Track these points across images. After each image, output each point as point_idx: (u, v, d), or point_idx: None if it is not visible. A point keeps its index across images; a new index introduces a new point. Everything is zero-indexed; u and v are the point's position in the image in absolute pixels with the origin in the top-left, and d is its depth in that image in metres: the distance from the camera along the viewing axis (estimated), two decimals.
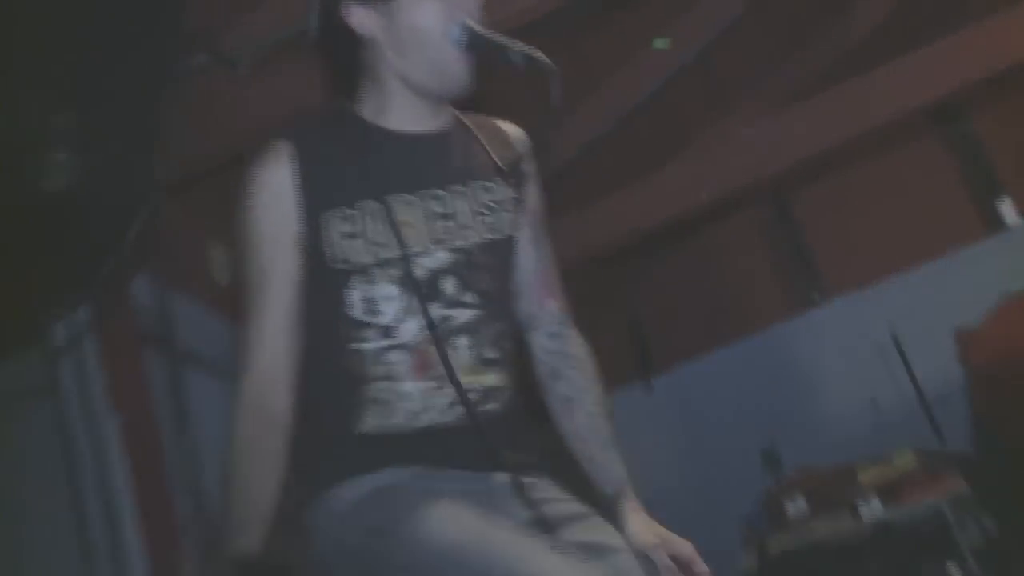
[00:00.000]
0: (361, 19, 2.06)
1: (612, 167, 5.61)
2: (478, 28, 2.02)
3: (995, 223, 6.22)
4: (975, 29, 4.69)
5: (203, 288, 4.07)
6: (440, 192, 2.04)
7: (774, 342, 6.40)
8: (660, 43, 5.21)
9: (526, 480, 1.94)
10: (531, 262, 2.16)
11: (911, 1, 5.83)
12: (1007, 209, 6.22)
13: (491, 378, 2.00)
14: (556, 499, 1.95)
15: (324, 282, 1.98)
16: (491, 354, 2.01)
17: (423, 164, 2.05)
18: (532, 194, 2.19)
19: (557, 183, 5.30)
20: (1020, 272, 5.15)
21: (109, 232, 2.86)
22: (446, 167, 2.07)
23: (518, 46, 1.97)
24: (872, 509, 4.55)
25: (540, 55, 1.95)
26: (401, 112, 2.07)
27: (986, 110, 6.12)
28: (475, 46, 2.02)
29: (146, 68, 2.69)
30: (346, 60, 2.10)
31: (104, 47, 2.56)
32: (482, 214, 2.06)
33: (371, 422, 1.96)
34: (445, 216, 2.02)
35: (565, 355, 2.15)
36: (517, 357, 2.09)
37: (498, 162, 2.10)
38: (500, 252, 2.08)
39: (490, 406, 1.99)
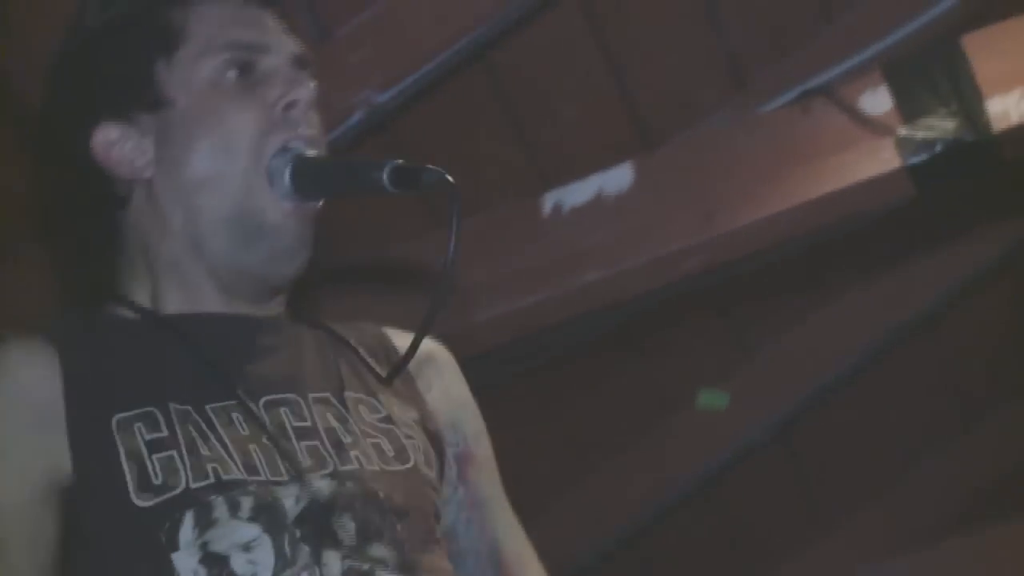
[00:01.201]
0: (115, 144, 1.51)
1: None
2: (313, 152, 1.53)
3: None
4: None
5: None
6: (294, 397, 1.51)
7: None
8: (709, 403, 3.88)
9: None
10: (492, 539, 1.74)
11: None
12: None
13: None
14: None
15: (125, 536, 1.40)
16: None
17: (256, 359, 1.53)
18: (468, 432, 1.74)
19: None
20: None
21: None
22: (296, 367, 1.55)
23: (384, 162, 1.51)
24: None
25: (428, 165, 1.52)
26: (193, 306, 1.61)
27: None
28: (313, 181, 1.51)
29: None
30: (88, 223, 1.58)
31: None
32: (370, 436, 1.56)
33: None
34: (307, 432, 1.50)
35: None
36: None
37: (382, 370, 1.66)
38: (415, 492, 1.56)
39: None
